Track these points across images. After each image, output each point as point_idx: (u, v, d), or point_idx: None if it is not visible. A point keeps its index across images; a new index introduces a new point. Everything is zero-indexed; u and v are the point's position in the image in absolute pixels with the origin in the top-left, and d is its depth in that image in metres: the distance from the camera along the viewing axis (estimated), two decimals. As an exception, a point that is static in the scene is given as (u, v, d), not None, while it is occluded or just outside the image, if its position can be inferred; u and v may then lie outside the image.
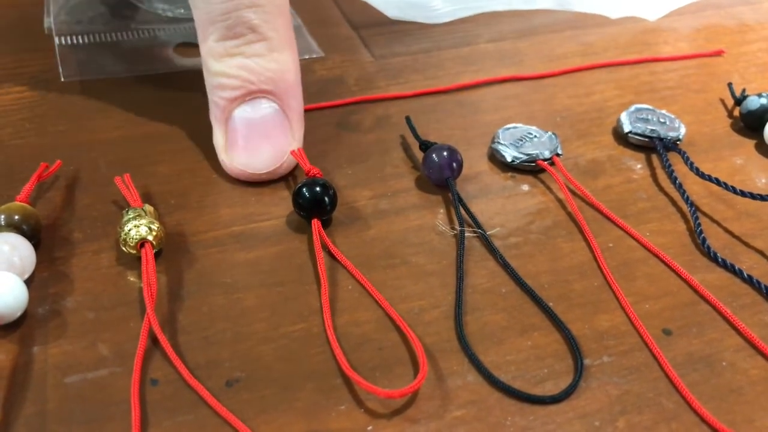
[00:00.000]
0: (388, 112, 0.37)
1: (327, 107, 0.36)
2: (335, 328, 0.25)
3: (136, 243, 0.26)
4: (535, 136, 0.34)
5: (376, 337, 0.25)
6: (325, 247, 0.28)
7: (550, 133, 0.34)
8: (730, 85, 0.39)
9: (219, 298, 0.26)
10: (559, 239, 0.30)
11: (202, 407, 0.22)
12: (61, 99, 0.36)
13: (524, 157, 0.33)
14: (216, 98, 0.30)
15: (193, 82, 0.37)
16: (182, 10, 0.42)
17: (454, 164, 0.31)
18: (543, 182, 0.33)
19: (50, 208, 0.29)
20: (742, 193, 0.31)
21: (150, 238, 0.26)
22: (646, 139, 0.35)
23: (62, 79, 0.37)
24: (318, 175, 0.30)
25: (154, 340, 0.24)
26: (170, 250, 0.28)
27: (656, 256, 0.29)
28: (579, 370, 0.24)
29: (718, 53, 0.43)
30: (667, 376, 0.24)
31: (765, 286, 0.28)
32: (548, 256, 0.29)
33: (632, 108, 0.36)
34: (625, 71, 0.41)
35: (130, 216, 0.27)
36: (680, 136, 0.35)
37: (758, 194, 0.31)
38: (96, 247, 0.28)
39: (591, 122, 0.37)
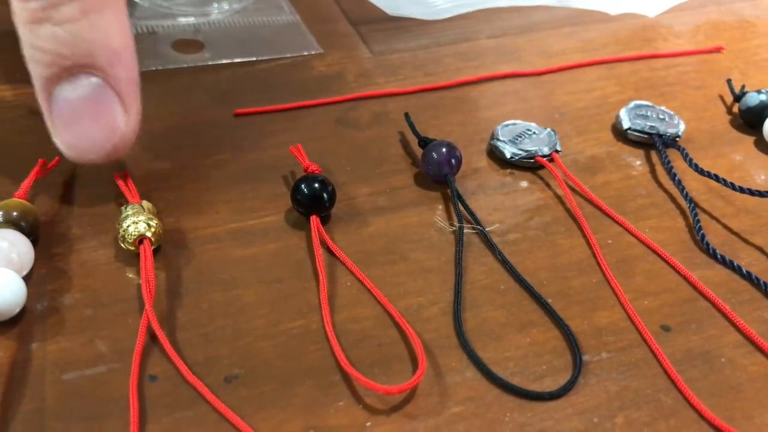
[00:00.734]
0: (387, 108, 0.36)
1: (326, 104, 0.36)
2: (334, 325, 0.25)
3: (135, 239, 0.26)
4: (534, 133, 0.34)
5: (375, 333, 0.25)
6: (323, 243, 0.28)
7: (549, 129, 0.34)
8: (729, 81, 0.39)
9: (218, 294, 0.26)
10: (558, 236, 0.30)
11: (201, 403, 0.22)
12: (59, 95, 0.36)
13: (523, 154, 0.33)
14: (33, 75, 0.26)
15: (192, 78, 0.37)
16: (181, 6, 0.42)
17: (453, 160, 0.31)
18: (542, 179, 0.33)
19: (48, 205, 0.29)
20: (741, 190, 0.31)
21: (149, 234, 0.26)
22: (646, 136, 0.35)
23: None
24: (317, 171, 0.30)
25: (152, 336, 0.24)
26: (169, 246, 0.28)
27: (655, 252, 0.29)
28: (578, 366, 0.24)
29: (718, 50, 0.43)
30: (665, 372, 0.24)
31: (764, 282, 0.28)
32: (547, 253, 0.29)
33: (631, 104, 0.36)
34: (625, 68, 0.41)
35: (129, 212, 0.27)
36: (679, 133, 0.35)
37: (757, 191, 0.31)
38: (94, 243, 0.28)
39: (590, 119, 0.37)
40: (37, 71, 0.25)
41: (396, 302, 0.26)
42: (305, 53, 0.40)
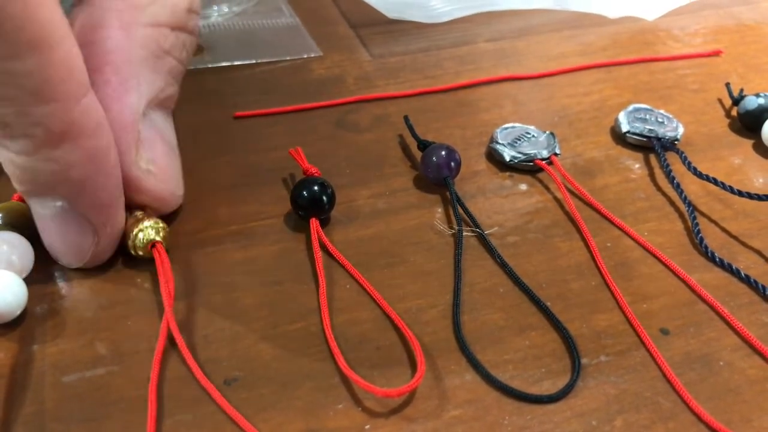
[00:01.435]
0: (387, 111, 0.37)
1: (325, 106, 0.36)
2: (333, 327, 0.25)
3: (146, 245, 0.26)
4: (533, 136, 0.34)
5: (374, 336, 0.25)
6: (323, 246, 0.28)
7: (548, 132, 0.34)
8: (728, 84, 0.39)
9: (217, 297, 0.26)
10: (557, 239, 0.30)
11: (201, 405, 0.22)
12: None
13: (522, 157, 0.33)
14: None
15: (191, 81, 0.37)
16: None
17: (453, 163, 0.31)
18: (541, 182, 0.33)
19: (48, 207, 0.29)
20: (740, 193, 0.31)
21: (158, 238, 0.26)
22: (644, 139, 0.35)
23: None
24: (316, 174, 0.30)
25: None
26: (169, 249, 0.28)
27: (654, 255, 0.29)
28: (576, 369, 0.24)
29: (716, 53, 0.43)
30: (664, 375, 0.24)
31: (762, 285, 0.28)
32: (546, 256, 0.29)
33: (630, 108, 0.36)
34: (624, 71, 0.41)
35: (132, 221, 0.27)
36: (678, 136, 0.35)
37: (756, 194, 0.31)
38: (94, 245, 0.28)
39: (589, 122, 0.37)
40: (14, 184, 0.25)
41: (395, 305, 0.26)
42: (305, 56, 0.40)
